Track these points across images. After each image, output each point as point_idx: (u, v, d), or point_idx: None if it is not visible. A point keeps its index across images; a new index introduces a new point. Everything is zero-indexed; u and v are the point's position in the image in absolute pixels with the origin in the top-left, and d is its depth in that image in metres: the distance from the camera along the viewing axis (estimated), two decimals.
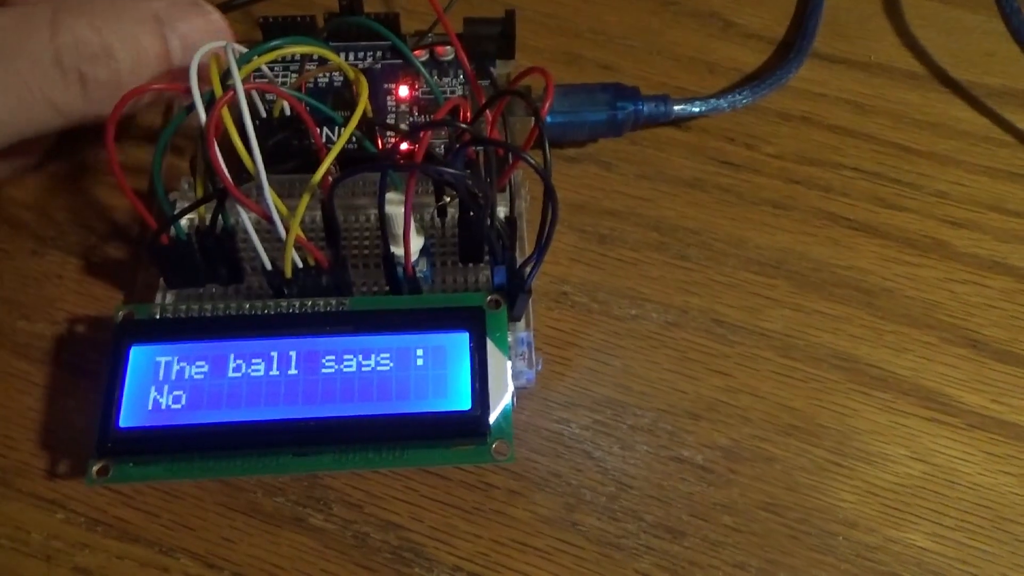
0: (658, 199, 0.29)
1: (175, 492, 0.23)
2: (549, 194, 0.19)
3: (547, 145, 0.20)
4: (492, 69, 0.29)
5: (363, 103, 0.21)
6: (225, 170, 0.20)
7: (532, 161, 0.19)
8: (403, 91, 0.29)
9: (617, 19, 0.34)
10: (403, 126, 0.28)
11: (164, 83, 0.20)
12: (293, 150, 0.24)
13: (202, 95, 0.20)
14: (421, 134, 0.21)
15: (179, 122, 0.20)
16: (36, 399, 0.24)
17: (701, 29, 0.34)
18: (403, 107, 0.29)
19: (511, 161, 0.22)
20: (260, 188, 0.20)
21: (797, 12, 0.34)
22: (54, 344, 0.25)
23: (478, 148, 0.25)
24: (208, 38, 0.21)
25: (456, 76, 0.30)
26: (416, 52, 0.30)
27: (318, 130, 0.21)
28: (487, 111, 0.23)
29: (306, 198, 0.20)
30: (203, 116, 0.19)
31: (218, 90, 0.19)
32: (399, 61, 0.30)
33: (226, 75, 0.20)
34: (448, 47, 0.30)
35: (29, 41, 0.20)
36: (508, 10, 0.30)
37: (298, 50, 0.21)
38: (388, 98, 0.29)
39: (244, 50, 0.21)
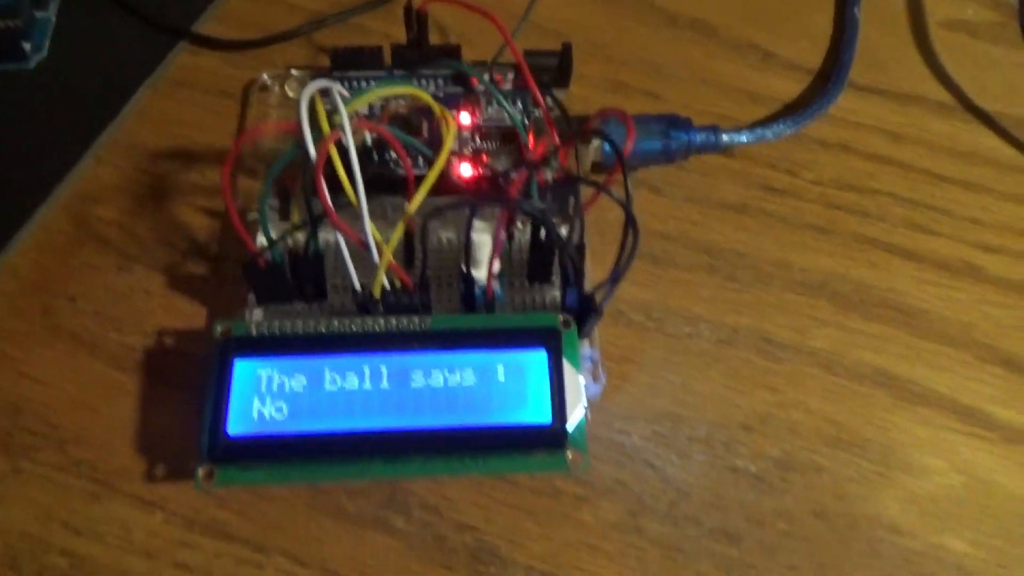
0: (707, 223, 0.30)
1: (265, 495, 0.24)
2: (631, 224, 0.21)
3: (628, 182, 0.21)
4: (560, 99, 0.30)
5: (449, 141, 0.23)
6: (330, 202, 0.21)
7: (617, 196, 0.21)
8: (465, 118, 0.31)
9: (661, 49, 0.35)
10: (466, 151, 0.30)
11: (275, 124, 0.22)
12: (380, 178, 0.26)
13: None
14: (517, 174, 0.23)
15: (289, 158, 0.22)
16: (132, 408, 0.26)
17: (742, 60, 0.35)
18: (465, 134, 0.31)
19: (592, 195, 0.24)
20: (361, 218, 0.22)
21: (832, 44, 0.36)
22: (145, 355, 0.27)
23: (548, 177, 0.27)
24: None
25: (515, 103, 0.31)
26: (473, 81, 0.32)
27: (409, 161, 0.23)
28: (557, 142, 0.25)
29: (401, 228, 0.22)
30: (312, 153, 0.21)
31: (326, 128, 0.21)
32: (460, 89, 0.32)
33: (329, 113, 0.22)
34: (507, 77, 0.32)
35: None
36: (565, 43, 0.31)
37: (396, 92, 0.23)
38: None
39: (347, 93, 0.22)
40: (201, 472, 0.22)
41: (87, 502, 0.24)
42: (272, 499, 0.24)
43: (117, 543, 0.24)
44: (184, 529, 0.24)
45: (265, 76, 0.33)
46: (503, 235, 0.22)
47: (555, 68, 0.32)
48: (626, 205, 0.21)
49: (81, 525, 0.24)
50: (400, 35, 0.32)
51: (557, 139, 0.27)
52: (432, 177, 0.22)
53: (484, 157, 0.30)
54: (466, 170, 0.30)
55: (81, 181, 0.30)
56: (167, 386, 0.26)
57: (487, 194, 0.23)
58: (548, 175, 0.27)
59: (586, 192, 0.27)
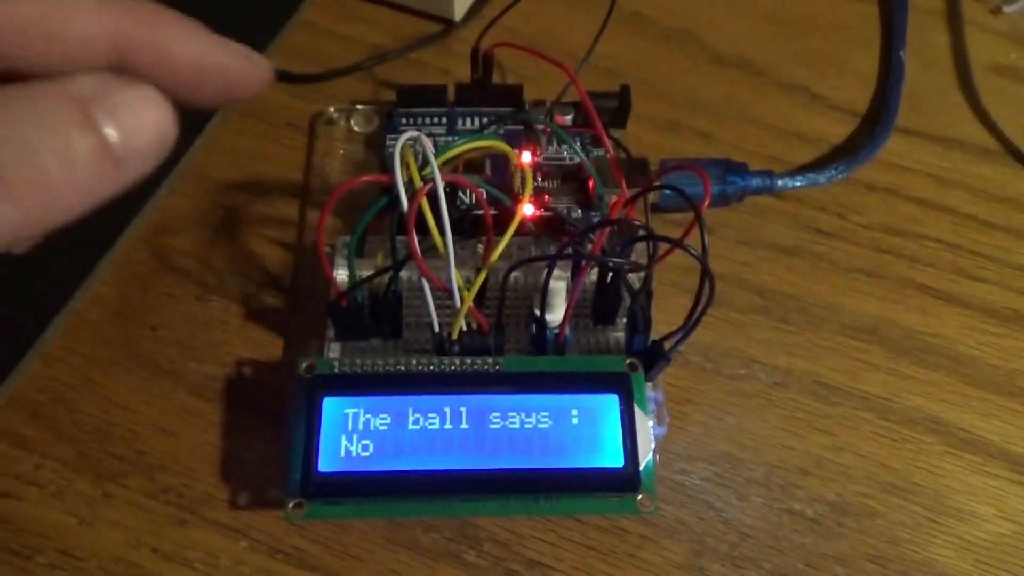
0: (758, 264, 0.31)
1: (344, 526, 0.26)
2: (707, 277, 0.22)
3: (705, 237, 0.22)
4: (623, 145, 0.31)
5: (528, 192, 0.24)
6: (419, 250, 0.22)
7: (694, 252, 0.22)
8: (527, 157, 0.32)
9: (710, 89, 0.36)
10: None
11: (371, 176, 0.23)
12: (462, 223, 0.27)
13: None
14: (598, 232, 0.24)
15: (380, 207, 0.23)
16: (213, 435, 0.27)
17: (789, 100, 0.36)
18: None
19: (665, 249, 0.25)
20: (448, 267, 0.23)
21: (878, 86, 0.37)
22: (224, 384, 0.28)
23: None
24: (148, 117, 0.17)
25: (575, 142, 0.32)
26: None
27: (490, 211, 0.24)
28: (627, 192, 0.26)
29: (482, 275, 0.23)
30: (405, 204, 0.22)
31: (417, 181, 0.22)
32: (520, 127, 0.33)
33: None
34: (567, 117, 0.33)
35: None
36: (624, 85, 0.33)
37: (483, 146, 0.24)
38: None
39: (432, 148, 0.24)
40: (291, 505, 0.23)
41: (175, 528, 0.25)
42: (350, 530, 0.25)
43: (205, 569, 0.25)
44: (268, 557, 0.25)
45: (332, 110, 0.34)
46: (580, 288, 0.23)
47: (615, 109, 0.33)
48: (702, 260, 0.22)
49: (170, 551, 0.25)
50: (458, 70, 0.33)
51: (624, 184, 0.28)
52: (512, 229, 0.23)
53: (546, 196, 0.31)
54: (528, 209, 0.31)
55: (158, 212, 0.31)
56: (246, 415, 0.27)
57: (565, 247, 0.24)
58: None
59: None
